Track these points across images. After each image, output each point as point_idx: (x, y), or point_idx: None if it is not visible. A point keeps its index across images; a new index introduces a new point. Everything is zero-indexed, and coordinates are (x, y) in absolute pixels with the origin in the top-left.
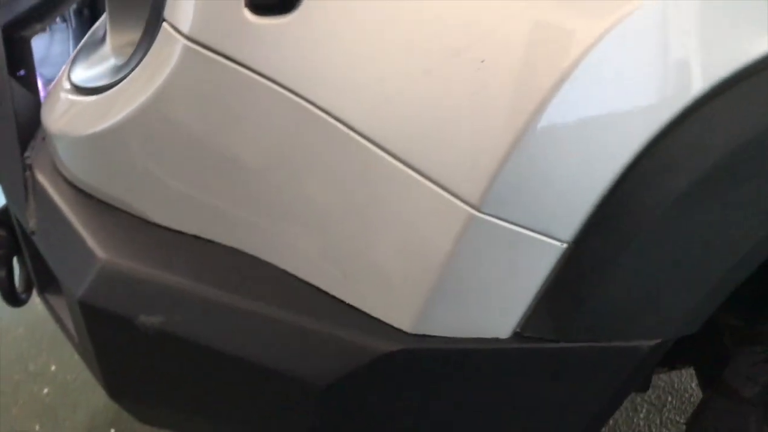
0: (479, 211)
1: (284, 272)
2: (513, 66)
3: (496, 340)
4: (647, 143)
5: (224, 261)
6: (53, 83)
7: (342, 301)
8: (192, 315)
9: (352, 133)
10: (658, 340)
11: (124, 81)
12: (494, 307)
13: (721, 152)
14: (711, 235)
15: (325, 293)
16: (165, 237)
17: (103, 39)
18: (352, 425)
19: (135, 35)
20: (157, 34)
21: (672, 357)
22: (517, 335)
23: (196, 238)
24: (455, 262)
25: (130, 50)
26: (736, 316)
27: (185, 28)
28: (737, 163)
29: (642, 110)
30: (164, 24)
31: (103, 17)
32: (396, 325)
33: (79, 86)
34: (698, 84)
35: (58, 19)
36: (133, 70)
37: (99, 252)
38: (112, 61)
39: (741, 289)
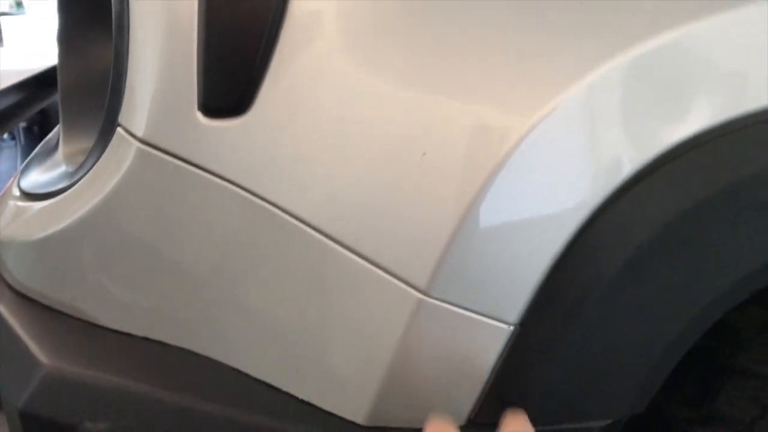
0: (428, 295)
1: (236, 371)
2: (452, 158)
3: None
4: (581, 225)
5: (175, 362)
6: (1, 193)
7: (295, 397)
8: (141, 419)
9: (303, 226)
10: (608, 421)
11: (77, 185)
12: (447, 395)
13: (648, 232)
14: (648, 311)
15: (278, 390)
16: (113, 340)
17: (54, 148)
18: None
19: (87, 143)
20: (111, 139)
21: None
22: (471, 422)
23: (146, 339)
24: (407, 350)
25: (82, 158)
26: (682, 404)
27: (139, 132)
28: (665, 241)
29: (573, 195)
30: (118, 129)
31: (56, 129)
32: (350, 418)
33: (29, 192)
34: (623, 169)
35: (6, 137)
36: (86, 174)
37: (43, 358)
38: (63, 168)
39: (683, 378)
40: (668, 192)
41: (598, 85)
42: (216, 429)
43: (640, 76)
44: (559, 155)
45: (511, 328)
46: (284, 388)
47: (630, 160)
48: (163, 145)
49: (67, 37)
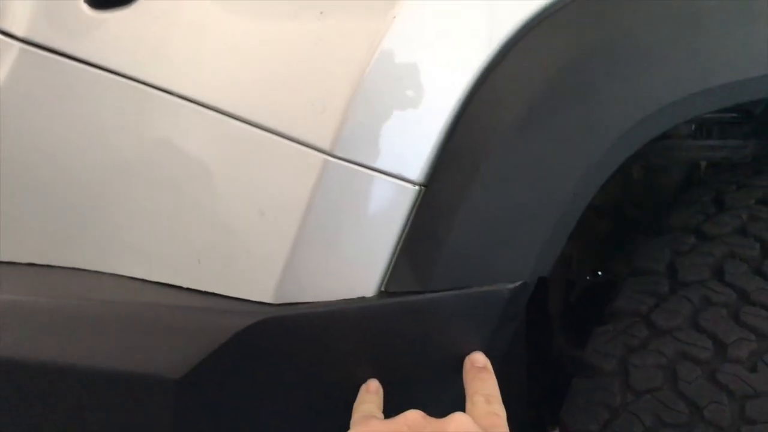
0: (332, 155)
1: (129, 278)
2: (348, 15)
3: (363, 298)
4: (474, 83)
5: (63, 278)
6: None
7: (195, 290)
8: (24, 332)
9: (199, 108)
10: (517, 283)
11: None
12: (356, 263)
13: (536, 85)
14: (545, 164)
15: (177, 287)
16: None
17: None
18: (211, 418)
19: None
20: None
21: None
22: (383, 293)
23: (31, 265)
24: (314, 215)
25: None
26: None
27: (20, 32)
28: (552, 92)
29: (463, 51)
30: None
31: None
32: (258, 299)
33: None
34: (509, 23)
35: None
36: None
37: None
38: None
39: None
40: (550, 45)
41: None
42: (108, 331)
43: None
44: (445, 13)
45: (417, 188)
46: (185, 284)
47: (510, 14)
48: (46, 43)
49: None
